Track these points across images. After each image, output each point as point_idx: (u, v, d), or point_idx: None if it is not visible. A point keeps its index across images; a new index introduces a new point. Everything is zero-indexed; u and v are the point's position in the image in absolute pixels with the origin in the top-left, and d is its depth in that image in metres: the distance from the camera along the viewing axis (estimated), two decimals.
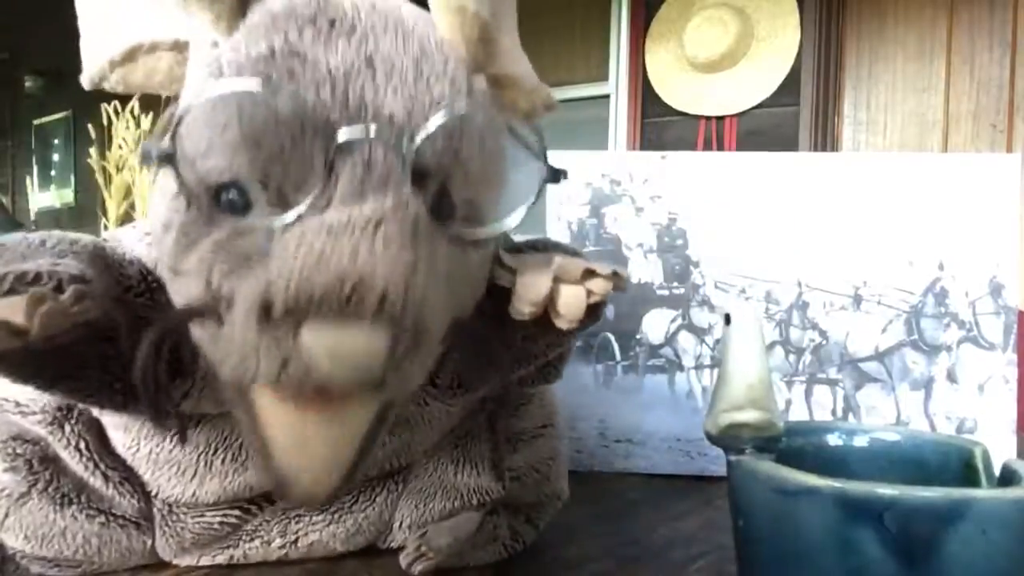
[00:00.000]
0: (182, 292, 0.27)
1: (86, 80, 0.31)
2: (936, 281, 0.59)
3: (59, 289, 0.25)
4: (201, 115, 0.25)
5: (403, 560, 0.38)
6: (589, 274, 0.31)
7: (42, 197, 4.07)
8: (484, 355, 0.32)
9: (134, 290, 0.31)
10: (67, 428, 0.35)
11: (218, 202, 0.26)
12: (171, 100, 0.30)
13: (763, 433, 0.32)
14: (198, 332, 0.27)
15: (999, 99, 2.00)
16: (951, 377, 0.58)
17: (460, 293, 0.28)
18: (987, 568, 0.26)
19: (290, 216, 0.25)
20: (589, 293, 0.31)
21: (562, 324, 0.31)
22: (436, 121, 0.26)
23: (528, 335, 0.33)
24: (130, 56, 0.29)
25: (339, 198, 0.25)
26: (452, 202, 0.28)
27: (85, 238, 0.32)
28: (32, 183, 4.01)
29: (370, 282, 0.23)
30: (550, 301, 0.31)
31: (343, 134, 0.25)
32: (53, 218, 3.95)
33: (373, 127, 0.25)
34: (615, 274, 0.31)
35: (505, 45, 0.32)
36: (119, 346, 0.27)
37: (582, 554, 0.43)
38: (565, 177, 0.30)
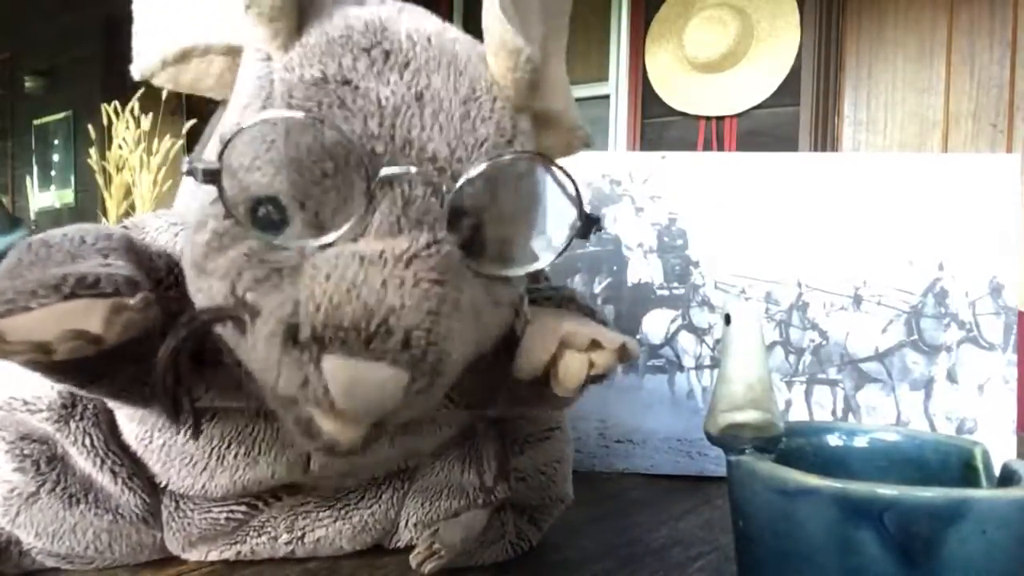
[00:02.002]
0: (205, 291, 0.27)
1: (136, 72, 0.31)
2: (936, 281, 0.59)
3: (117, 293, 0.26)
4: (249, 132, 0.26)
5: (413, 559, 0.38)
6: (596, 345, 0.31)
7: (42, 197, 4.06)
8: (493, 396, 0.33)
9: (164, 283, 0.31)
10: (72, 424, 0.36)
11: (255, 215, 0.26)
12: (219, 104, 0.31)
13: (763, 433, 0.32)
14: (221, 331, 0.27)
15: (999, 99, 2.00)
16: (951, 377, 0.58)
17: (483, 330, 0.29)
18: (987, 568, 0.26)
19: (325, 240, 0.25)
20: (591, 364, 0.31)
21: (559, 390, 0.31)
22: (478, 167, 0.26)
23: (533, 389, 0.34)
24: (183, 57, 0.30)
25: (375, 230, 0.25)
26: (484, 240, 0.28)
27: (115, 231, 0.32)
28: (32, 183, 4.01)
29: (397, 320, 0.24)
30: (552, 364, 0.31)
31: (386, 169, 0.25)
32: (53, 218, 3.95)
33: (414, 169, 0.26)
34: (623, 347, 0.31)
35: (552, 78, 0.32)
36: (152, 343, 0.27)
37: (582, 554, 0.43)
38: (599, 229, 0.30)
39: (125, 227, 0.34)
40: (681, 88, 2.37)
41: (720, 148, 2.30)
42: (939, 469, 0.35)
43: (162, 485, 0.37)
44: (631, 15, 2.46)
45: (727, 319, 0.34)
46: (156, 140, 1.51)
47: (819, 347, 0.60)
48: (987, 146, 2.00)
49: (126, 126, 1.55)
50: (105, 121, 1.59)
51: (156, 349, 0.28)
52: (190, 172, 0.26)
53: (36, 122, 4.08)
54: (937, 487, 0.28)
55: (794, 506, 0.29)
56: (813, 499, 0.28)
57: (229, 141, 0.26)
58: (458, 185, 0.26)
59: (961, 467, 0.34)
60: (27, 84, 3.95)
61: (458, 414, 0.38)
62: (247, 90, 0.28)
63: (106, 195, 1.59)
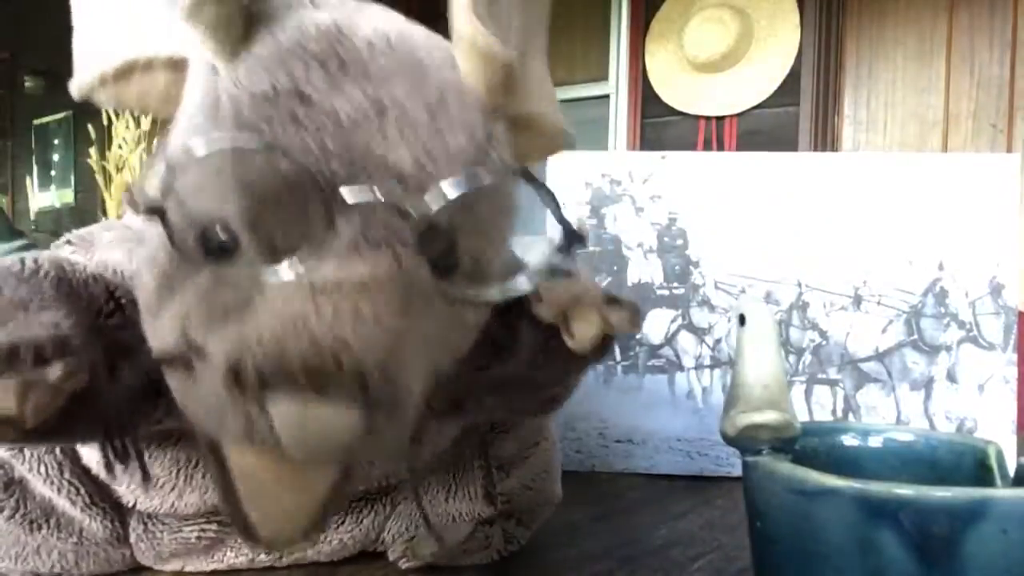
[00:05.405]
0: (157, 335, 0.25)
1: (75, 90, 0.28)
2: (936, 281, 0.59)
3: (41, 357, 0.24)
4: (195, 159, 0.23)
5: (391, 554, 0.39)
6: (611, 303, 0.30)
7: (42, 197, 4.06)
8: (490, 385, 0.32)
9: (104, 311, 0.29)
10: (27, 452, 0.34)
11: (205, 247, 0.24)
12: (165, 124, 0.28)
13: (781, 434, 0.32)
14: (169, 377, 0.25)
15: (999, 99, 2.00)
16: (951, 377, 0.58)
17: (449, 350, 0.27)
18: (1007, 567, 0.26)
19: (277, 270, 0.23)
20: (607, 323, 0.30)
21: (574, 345, 0.30)
22: (449, 186, 0.24)
23: (536, 363, 0.33)
24: (124, 72, 0.27)
25: (334, 256, 0.23)
26: (457, 257, 0.26)
27: (45, 261, 0.29)
28: (32, 183, 4.01)
29: (349, 355, 0.22)
30: (566, 323, 0.30)
31: (345, 190, 0.23)
32: (53, 218, 3.95)
33: (377, 190, 0.23)
34: (636, 308, 0.31)
35: (531, 77, 0.30)
36: (98, 385, 0.26)
37: (582, 554, 0.43)
38: (583, 244, 0.28)
39: (70, 241, 0.32)
40: (681, 88, 2.37)
41: (720, 148, 2.30)
42: (952, 469, 0.35)
43: (129, 505, 0.36)
44: (631, 15, 2.46)
45: (742, 319, 0.33)
46: (156, 140, 1.51)
47: (819, 347, 0.60)
48: (987, 146, 2.00)
49: (126, 126, 1.55)
50: (105, 121, 1.59)
51: (101, 388, 0.26)
52: (131, 205, 0.24)
53: (36, 122, 4.08)
54: (957, 487, 0.27)
55: (813, 506, 0.29)
56: (832, 499, 0.28)
57: (173, 168, 0.24)
58: (427, 203, 0.24)
59: (975, 467, 0.34)
60: (27, 84, 3.95)
61: (445, 429, 0.37)
62: (194, 107, 0.25)
63: (106, 195, 1.59)
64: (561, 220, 0.27)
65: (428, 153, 0.25)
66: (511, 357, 0.33)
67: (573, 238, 0.27)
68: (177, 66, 0.27)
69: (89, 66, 0.28)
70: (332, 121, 0.24)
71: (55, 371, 0.23)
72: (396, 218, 0.24)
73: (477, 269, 0.27)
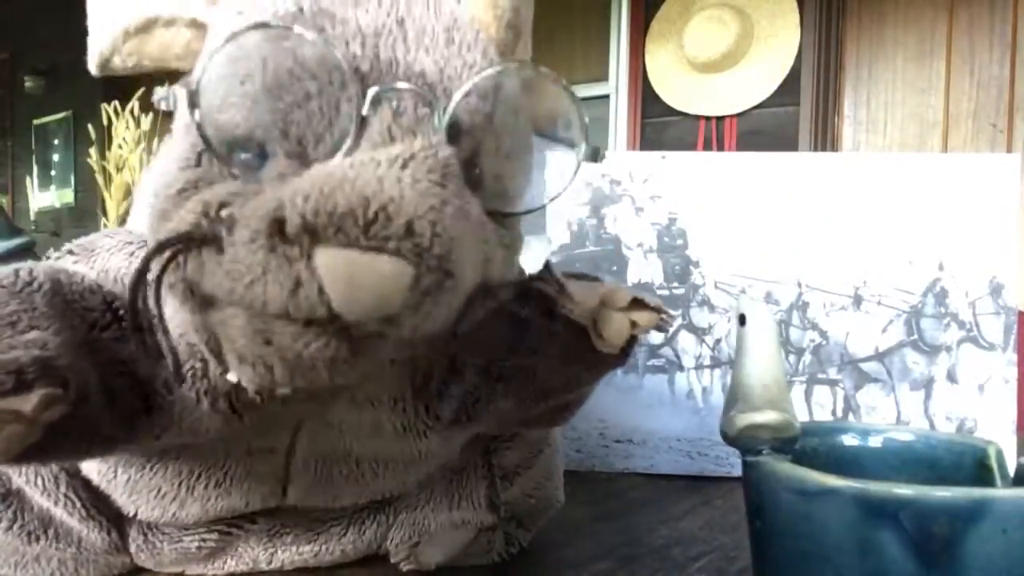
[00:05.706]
0: (171, 226, 0.24)
1: (95, 58, 0.29)
2: (936, 281, 0.59)
3: (22, 381, 0.23)
4: (221, 66, 0.24)
5: (393, 558, 0.39)
6: (636, 304, 0.31)
7: (42, 197, 4.06)
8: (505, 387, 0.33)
9: (99, 324, 0.29)
10: (22, 465, 0.34)
11: (231, 160, 0.24)
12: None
13: (781, 434, 0.32)
14: (183, 271, 0.23)
15: (999, 99, 2.00)
16: (951, 377, 0.58)
17: (487, 260, 0.26)
18: (1007, 568, 0.26)
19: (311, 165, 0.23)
20: (633, 324, 0.31)
21: (602, 347, 0.31)
22: (471, 81, 0.25)
23: (553, 367, 0.33)
24: (146, 27, 0.28)
25: (365, 144, 0.24)
26: (482, 175, 0.27)
27: (40, 273, 0.28)
28: (32, 183, 4.01)
29: (397, 208, 0.21)
30: (593, 325, 0.31)
31: (374, 84, 0.24)
32: (53, 218, 3.95)
33: (405, 84, 0.24)
34: (661, 308, 0.32)
35: (525, 52, 0.32)
36: (85, 407, 0.25)
37: (582, 554, 0.43)
38: (602, 158, 0.29)
39: (72, 251, 0.32)
40: (681, 88, 2.37)
41: (720, 148, 2.30)
42: (952, 468, 0.35)
43: (129, 515, 0.36)
44: (631, 15, 2.46)
45: (742, 319, 0.33)
46: (156, 140, 1.51)
47: (819, 347, 0.60)
48: (987, 146, 2.00)
49: (126, 126, 1.55)
50: (105, 121, 1.59)
51: (96, 403, 0.25)
52: (165, 101, 0.25)
53: (36, 122, 4.09)
54: (957, 487, 0.27)
55: (813, 506, 0.29)
56: (832, 499, 0.28)
57: (198, 90, 0.24)
58: (453, 100, 0.25)
59: (975, 466, 0.34)
60: (27, 84, 3.96)
61: (451, 441, 0.37)
62: (219, 40, 0.25)
63: (106, 195, 1.59)
64: (583, 127, 0.29)
65: (448, 62, 0.26)
66: (532, 356, 0.33)
67: (595, 151, 0.29)
68: (198, 27, 0.28)
69: (108, 28, 0.28)
70: (356, 30, 0.25)
71: (30, 402, 0.22)
72: (424, 110, 0.25)
73: (501, 188, 0.27)
